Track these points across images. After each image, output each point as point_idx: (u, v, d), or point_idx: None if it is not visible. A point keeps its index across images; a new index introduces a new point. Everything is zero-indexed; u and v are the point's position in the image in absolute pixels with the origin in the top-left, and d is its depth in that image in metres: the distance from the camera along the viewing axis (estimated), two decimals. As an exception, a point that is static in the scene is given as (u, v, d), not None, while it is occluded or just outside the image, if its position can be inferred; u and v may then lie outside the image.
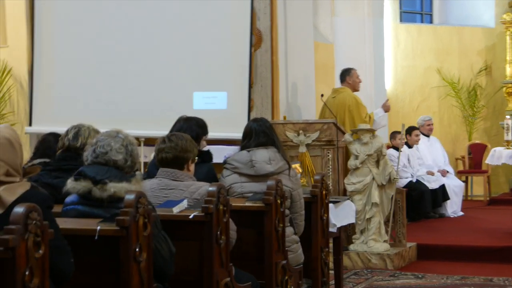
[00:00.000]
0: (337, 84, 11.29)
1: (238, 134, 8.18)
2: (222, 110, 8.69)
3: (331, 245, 6.01)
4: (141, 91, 8.83)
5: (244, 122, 8.47)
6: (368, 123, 9.03)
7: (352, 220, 6.33)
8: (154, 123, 8.29)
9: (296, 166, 5.88)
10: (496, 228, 9.79)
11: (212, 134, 5.93)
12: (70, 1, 9.23)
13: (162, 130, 7.09)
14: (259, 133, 5.23)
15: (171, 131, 5.71)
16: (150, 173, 5.58)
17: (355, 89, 9.53)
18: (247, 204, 4.85)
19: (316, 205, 5.42)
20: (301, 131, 8.42)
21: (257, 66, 8.94)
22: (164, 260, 3.85)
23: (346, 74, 9.63)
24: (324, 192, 5.48)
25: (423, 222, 10.32)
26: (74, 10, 9.12)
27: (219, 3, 8.85)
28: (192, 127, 5.70)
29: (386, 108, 9.75)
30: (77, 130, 4.93)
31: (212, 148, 5.94)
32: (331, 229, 5.63)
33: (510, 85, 13.79)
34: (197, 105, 8.66)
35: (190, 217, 4.18)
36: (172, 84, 8.81)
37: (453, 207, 11.15)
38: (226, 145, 7.91)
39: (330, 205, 5.64)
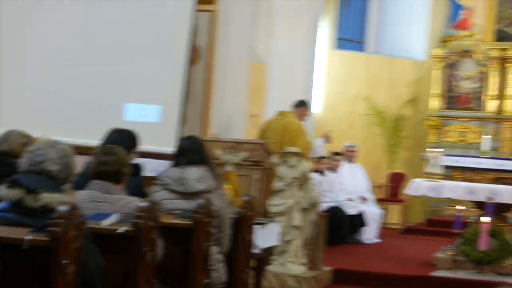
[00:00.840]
0: (269, 104, 11.46)
1: (169, 149, 8.26)
2: (154, 123, 8.71)
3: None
4: (73, 98, 8.77)
5: (175, 137, 8.54)
6: (307, 150, 9.24)
7: (276, 243, 6.46)
8: (84, 132, 8.25)
9: (225, 185, 5.98)
10: (410, 256, 10.08)
11: (142, 147, 5.98)
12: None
13: (92, 139, 7.11)
14: (191, 151, 5.32)
15: (102, 143, 5.73)
16: (79, 184, 5.60)
17: (300, 119, 9.79)
18: (176, 221, 4.92)
19: (242, 225, 5.52)
20: (229, 150, 8.52)
21: (192, 81, 9.01)
22: (92, 273, 3.89)
23: (302, 105, 9.97)
24: (251, 213, 5.58)
25: (340, 247, 10.53)
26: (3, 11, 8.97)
27: (159, 16, 8.88)
28: (124, 140, 5.75)
29: (327, 139, 10.02)
30: (7, 137, 4.94)
31: (141, 161, 5.99)
32: (255, 250, 5.74)
33: (433, 117, 14.19)
34: (129, 116, 8.66)
35: (119, 231, 4.23)
36: (104, 93, 8.78)
37: (370, 234, 11.42)
38: (157, 158, 7.94)
39: (256, 226, 5.75)
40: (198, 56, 9.27)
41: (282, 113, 9.72)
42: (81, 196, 4.51)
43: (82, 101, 8.78)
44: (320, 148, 9.81)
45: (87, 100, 8.79)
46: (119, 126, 5.99)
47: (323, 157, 11.28)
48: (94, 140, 6.10)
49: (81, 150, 7.16)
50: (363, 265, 9.20)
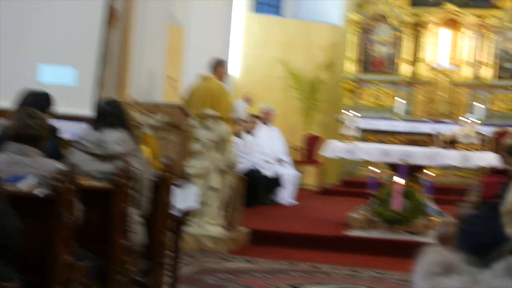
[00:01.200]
0: (187, 67, 11.45)
1: (85, 111, 8.20)
2: (70, 86, 8.61)
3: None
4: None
5: (91, 99, 8.48)
6: (229, 111, 9.30)
7: (195, 205, 6.52)
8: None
9: (144, 148, 5.98)
10: (325, 217, 10.30)
11: (58, 109, 5.93)
12: None
13: (6, 101, 7.00)
14: (110, 115, 5.29)
15: (17, 104, 5.66)
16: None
17: (221, 79, 9.76)
18: (94, 183, 4.92)
19: (162, 188, 5.55)
20: (147, 112, 8.51)
21: (109, 44, 8.92)
22: (9, 236, 3.87)
23: (217, 64, 9.85)
24: (170, 175, 5.62)
25: (257, 208, 10.67)
26: None
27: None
28: (38, 101, 5.70)
29: (247, 100, 10.08)
30: None
31: (57, 124, 5.94)
32: (174, 212, 5.79)
33: (349, 81, 14.41)
34: (44, 78, 8.54)
35: (37, 194, 4.21)
36: (19, 55, 8.63)
37: (286, 195, 11.60)
38: (73, 121, 7.87)
39: (175, 188, 5.79)
40: (116, 19, 9.18)
41: (204, 78, 9.72)
42: (-2, 159, 4.46)
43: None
44: (241, 108, 9.88)
45: (1, 62, 8.62)
46: (34, 88, 5.93)
47: (240, 119, 11.36)
48: (8, 102, 6.02)
49: (-4, 112, 7.04)
50: (279, 226, 9.36)
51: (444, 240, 3.92)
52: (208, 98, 9.40)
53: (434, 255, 1.98)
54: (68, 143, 5.90)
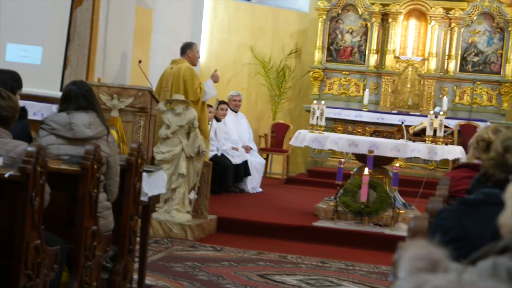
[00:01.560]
0: (154, 50, 11.29)
1: (50, 92, 8.03)
2: (36, 65, 8.41)
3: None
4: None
5: (58, 80, 8.30)
6: (199, 94, 9.15)
7: (163, 191, 6.39)
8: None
9: (113, 132, 5.85)
10: (292, 206, 10.24)
11: (24, 89, 5.78)
12: None
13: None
14: (79, 97, 5.15)
15: None
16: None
17: (193, 63, 9.59)
18: (63, 167, 4.78)
19: (131, 173, 5.42)
20: (115, 95, 8.35)
21: (76, 24, 8.73)
22: (-24, 219, 3.74)
23: (187, 48, 9.64)
24: (139, 160, 5.49)
25: (224, 195, 10.58)
26: None
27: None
28: (6, 81, 5.55)
29: (215, 79, 9.90)
30: None
31: (25, 104, 5.80)
32: (142, 198, 5.66)
33: (316, 70, 14.35)
34: (10, 57, 8.34)
35: (6, 176, 4.07)
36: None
37: (253, 183, 11.51)
38: (38, 101, 7.70)
39: (144, 174, 5.67)
40: (83, -2, 8.99)
41: (174, 61, 9.53)
42: (-35, 139, 4.31)
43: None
44: (212, 89, 9.72)
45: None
46: (2, 67, 5.77)
47: (209, 106, 11.24)
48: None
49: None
50: (246, 214, 9.28)
51: (416, 234, 3.85)
52: (177, 81, 9.25)
53: (418, 249, 1.89)
54: (35, 124, 5.76)
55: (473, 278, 1.78)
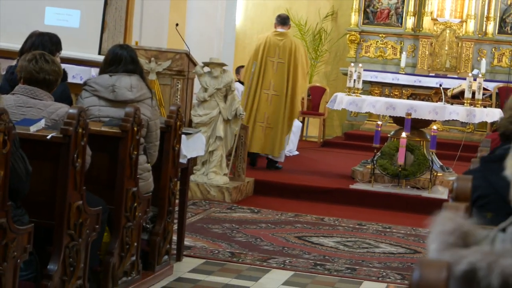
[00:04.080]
0: (190, 13, 11.28)
1: (89, 55, 8.09)
2: (74, 29, 8.47)
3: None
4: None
5: (96, 43, 8.35)
6: (308, 66, 9.92)
7: (202, 153, 6.43)
8: (6, 36, 7.97)
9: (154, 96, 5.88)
10: (328, 169, 10.24)
11: (62, 52, 5.83)
12: None
13: (13, 43, 6.88)
14: (128, 60, 5.18)
15: (24, 46, 5.57)
16: (1, 88, 5.42)
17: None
18: (104, 128, 4.83)
19: (170, 135, 5.47)
20: (152, 58, 8.39)
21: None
22: (20, 179, 3.81)
23: (288, 21, 9.97)
24: (178, 123, 5.53)
25: (261, 158, 10.60)
26: None
27: None
28: (45, 43, 5.61)
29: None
30: None
31: (63, 67, 5.84)
32: (181, 160, 5.71)
33: (353, 32, 14.24)
34: (49, 20, 8.40)
35: (48, 137, 4.13)
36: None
37: (289, 146, 11.50)
38: (77, 64, 7.76)
39: (182, 136, 5.70)
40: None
41: (281, 33, 9.77)
42: (8, 101, 4.37)
43: (3, 4, 8.46)
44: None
45: (8, 3, 8.47)
46: (42, 30, 5.82)
47: (242, 66, 11.25)
48: (15, 44, 5.92)
49: (3, 53, 6.95)
50: (283, 177, 9.30)
51: (459, 195, 3.84)
52: (298, 59, 9.62)
53: (447, 223, 1.88)
54: (75, 87, 5.81)
55: (506, 246, 1.78)
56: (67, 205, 4.14)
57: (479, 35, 13.91)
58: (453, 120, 9.68)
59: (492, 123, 11.41)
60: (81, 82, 5.35)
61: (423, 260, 1.70)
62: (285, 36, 9.75)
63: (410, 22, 14.11)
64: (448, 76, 13.54)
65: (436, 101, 11.06)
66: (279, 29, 9.81)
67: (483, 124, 12.29)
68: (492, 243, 1.82)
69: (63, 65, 6.40)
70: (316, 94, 13.78)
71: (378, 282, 5.81)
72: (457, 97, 10.98)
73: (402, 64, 13.70)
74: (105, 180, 4.88)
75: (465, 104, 9.46)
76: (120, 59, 5.14)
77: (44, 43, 5.61)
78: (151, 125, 5.16)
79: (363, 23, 14.35)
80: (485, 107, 9.78)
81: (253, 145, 9.55)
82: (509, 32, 13.92)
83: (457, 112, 9.25)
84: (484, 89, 10.49)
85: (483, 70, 12.98)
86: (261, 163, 9.98)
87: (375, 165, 8.93)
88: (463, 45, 13.89)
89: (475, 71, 12.65)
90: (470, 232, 1.84)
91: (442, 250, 1.81)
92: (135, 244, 5.00)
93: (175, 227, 5.87)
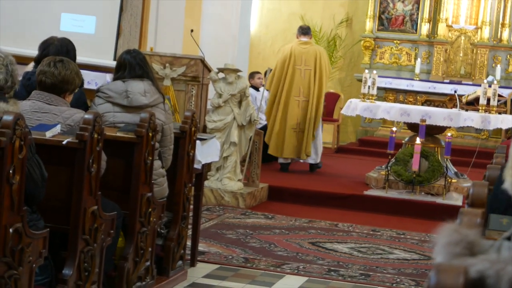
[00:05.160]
0: (205, 19, 11.30)
1: (104, 61, 8.12)
2: (90, 35, 8.50)
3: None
4: (8, 7, 8.49)
5: (111, 49, 8.38)
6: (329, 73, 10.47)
7: (216, 158, 6.45)
8: (22, 41, 8.02)
9: (165, 101, 5.91)
10: (342, 175, 10.24)
11: (78, 58, 5.84)
12: None
13: (28, 48, 6.92)
14: (133, 65, 5.21)
15: (47, 53, 5.50)
16: (17, 94, 5.45)
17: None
18: (119, 134, 4.86)
19: (184, 140, 5.49)
20: (167, 64, 8.42)
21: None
22: (36, 184, 3.83)
23: (310, 31, 10.54)
24: (193, 129, 5.55)
25: (275, 164, 10.61)
26: None
27: None
28: (63, 50, 5.58)
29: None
30: None
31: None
32: (195, 166, 5.73)
33: (367, 39, 14.24)
34: (65, 26, 8.44)
35: (64, 143, 4.15)
36: (41, 3, 8.52)
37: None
38: (92, 70, 7.79)
39: (197, 142, 5.72)
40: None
41: (305, 42, 10.26)
42: (24, 106, 4.40)
43: (19, 10, 8.51)
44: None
45: (24, 9, 8.52)
46: (57, 36, 5.83)
47: (257, 72, 11.27)
48: (31, 49, 5.95)
49: (19, 59, 6.97)
50: (296, 183, 9.30)
51: (475, 201, 3.84)
52: (323, 68, 10.18)
53: (452, 234, 1.89)
54: (89, 93, 5.84)
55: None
56: (82, 210, 4.17)
57: (494, 42, 13.88)
58: (467, 126, 9.65)
59: (507, 130, 11.39)
60: (98, 87, 5.37)
61: (440, 265, 1.70)
62: (309, 44, 10.30)
63: (425, 28, 14.09)
64: (462, 82, 13.50)
65: (451, 108, 11.02)
66: (303, 39, 10.31)
67: (497, 131, 12.25)
68: (498, 251, 1.83)
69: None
70: (330, 100, 13.76)
71: (392, 288, 5.80)
72: (472, 104, 10.94)
73: (417, 70, 13.67)
74: (120, 186, 4.90)
75: (479, 110, 9.44)
76: (126, 65, 5.16)
77: (61, 50, 5.59)
78: (165, 129, 5.19)
79: (378, 30, 14.34)
80: (500, 113, 9.76)
81: (286, 151, 10.09)
82: (523, 38, 13.87)
83: (472, 118, 9.23)
84: (499, 95, 10.46)
85: (498, 76, 12.95)
86: (293, 167, 10.16)
87: (389, 171, 8.92)
88: (478, 51, 13.86)
89: (490, 78, 12.60)
90: (476, 242, 1.85)
91: (449, 261, 1.82)
92: (150, 249, 5.02)
93: (189, 232, 5.88)
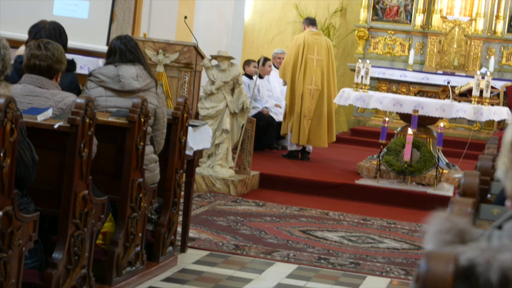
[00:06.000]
0: (199, 6, 11.27)
1: (97, 46, 8.10)
2: (83, 20, 8.48)
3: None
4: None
5: (104, 34, 8.36)
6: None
7: (208, 145, 6.43)
8: (14, 25, 7.98)
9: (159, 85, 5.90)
10: (333, 164, 10.24)
11: (71, 43, 5.82)
12: None
13: (20, 32, 6.90)
14: (124, 52, 5.19)
15: (39, 37, 5.47)
16: (9, 77, 5.42)
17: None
18: (111, 119, 4.85)
19: (176, 126, 5.48)
20: (160, 51, 8.40)
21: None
22: (26, 168, 3.83)
23: (316, 22, 10.71)
24: (185, 115, 5.54)
25: (266, 152, 10.61)
26: None
27: None
28: (54, 34, 5.55)
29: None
30: None
31: (72, 57, 5.83)
32: (187, 152, 5.72)
33: (361, 29, 14.22)
34: (58, 11, 8.41)
35: (55, 126, 4.14)
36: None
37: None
38: (85, 55, 7.77)
39: (189, 128, 5.71)
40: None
41: (315, 33, 10.42)
42: (15, 90, 4.38)
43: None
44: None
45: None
46: (49, 20, 5.80)
47: (253, 61, 11.24)
48: (24, 33, 5.92)
49: (12, 43, 6.94)
50: (288, 171, 9.31)
51: (467, 191, 3.85)
52: (330, 58, 10.33)
53: (443, 222, 1.89)
54: (83, 78, 5.82)
55: (504, 241, 1.78)
56: (73, 194, 4.16)
57: (488, 34, 13.88)
58: (460, 118, 9.65)
59: (499, 122, 11.41)
60: (90, 71, 5.35)
61: (430, 252, 1.70)
62: (320, 35, 10.49)
63: (419, 19, 14.08)
64: (456, 74, 13.52)
65: (444, 99, 11.03)
66: (313, 29, 10.45)
67: (490, 123, 12.29)
68: (488, 240, 1.83)
69: (72, 56, 6.43)
70: (323, 90, 13.74)
71: (382, 277, 5.82)
72: (465, 95, 10.95)
73: (410, 61, 13.67)
74: (112, 171, 4.90)
75: (472, 102, 9.45)
76: (116, 50, 5.15)
77: (52, 33, 5.55)
78: (158, 112, 5.18)
79: (372, 20, 14.32)
80: (492, 105, 9.76)
81: (301, 138, 10.15)
82: (517, 31, 13.87)
83: (464, 110, 9.24)
84: (492, 87, 10.46)
85: (491, 68, 12.95)
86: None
87: (381, 161, 8.93)
88: (472, 43, 13.86)
89: (483, 70, 12.60)
90: (466, 230, 1.85)
91: (440, 248, 1.82)
92: (140, 234, 5.02)
93: (180, 218, 5.88)
